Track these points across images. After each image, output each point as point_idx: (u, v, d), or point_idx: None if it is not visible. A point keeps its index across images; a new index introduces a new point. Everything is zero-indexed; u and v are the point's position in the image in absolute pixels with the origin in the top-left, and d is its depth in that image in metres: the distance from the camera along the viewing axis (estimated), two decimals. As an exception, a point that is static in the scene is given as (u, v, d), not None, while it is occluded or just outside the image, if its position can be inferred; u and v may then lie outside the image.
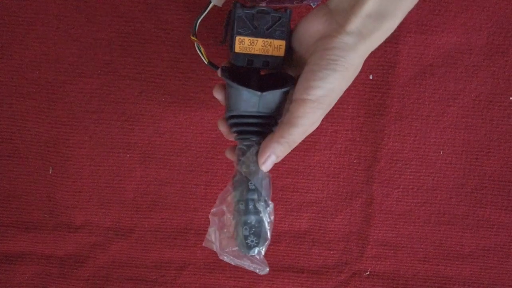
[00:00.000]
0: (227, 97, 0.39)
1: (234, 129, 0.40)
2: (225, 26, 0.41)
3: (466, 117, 0.54)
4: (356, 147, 0.55)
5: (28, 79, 0.53)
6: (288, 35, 0.39)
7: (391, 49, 0.53)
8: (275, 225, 0.57)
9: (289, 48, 0.40)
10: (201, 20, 0.43)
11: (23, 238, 0.57)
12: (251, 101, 0.38)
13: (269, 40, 0.37)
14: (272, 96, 0.38)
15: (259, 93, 0.37)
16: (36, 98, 0.53)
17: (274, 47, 0.38)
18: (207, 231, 0.58)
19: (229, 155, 0.43)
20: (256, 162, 0.39)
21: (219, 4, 0.42)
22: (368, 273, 0.58)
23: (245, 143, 0.40)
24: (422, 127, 0.55)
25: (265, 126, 0.40)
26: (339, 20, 0.35)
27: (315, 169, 0.56)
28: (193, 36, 0.43)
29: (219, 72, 0.40)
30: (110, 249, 0.57)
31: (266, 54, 0.38)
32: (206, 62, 0.44)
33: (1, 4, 0.51)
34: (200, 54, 0.44)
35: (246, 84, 0.39)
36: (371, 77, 0.53)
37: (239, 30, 0.38)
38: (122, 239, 0.57)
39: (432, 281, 0.58)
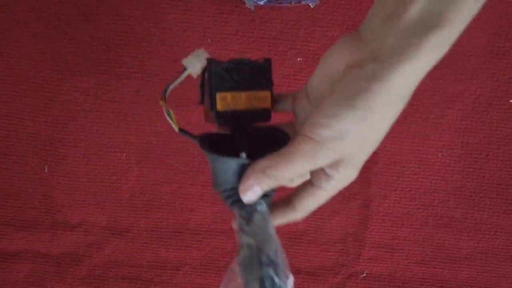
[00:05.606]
0: (212, 171, 0.34)
1: (229, 201, 0.34)
2: (201, 87, 0.37)
3: (465, 120, 0.54)
4: (354, 148, 0.55)
5: (24, 77, 0.52)
6: (271, 85, 0.36)
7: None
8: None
9: (273, 98, 0.36)
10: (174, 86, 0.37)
11: (19, 236, 0.57)
12: (241, 171, 0.32)
13: (253, 92, 0.34)
14: None
15: (247, 160, 0.31)
16: (32, 96, 0.53)
17: (259, 98, 0.35)
18: (203, 231, 0.58)
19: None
20: (267, 229, 0.32)
21: (194, 76, 0.38)
22: (365, 275, 0.58)
23: (246, 209, 0.33)
24: (420, 129, 0.54)
25: None
26: (370, 43, 0.27)
27: (312, 170, 0.55)
28: (162, 100, 0.37)
29: (198, 143, 0.34)
30: (106, 248, 0.57)
31: (252, 107, 0.34)
32: (176, 130, 0.37)
33: (-3, 1, 0.51)
34: (169, 120, 0.37)
35: (234, 150, 0.33)
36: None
37: (219, 86, 0.34)
38: (118, 238, 0.57)
39: (429, 284, 0.58)
